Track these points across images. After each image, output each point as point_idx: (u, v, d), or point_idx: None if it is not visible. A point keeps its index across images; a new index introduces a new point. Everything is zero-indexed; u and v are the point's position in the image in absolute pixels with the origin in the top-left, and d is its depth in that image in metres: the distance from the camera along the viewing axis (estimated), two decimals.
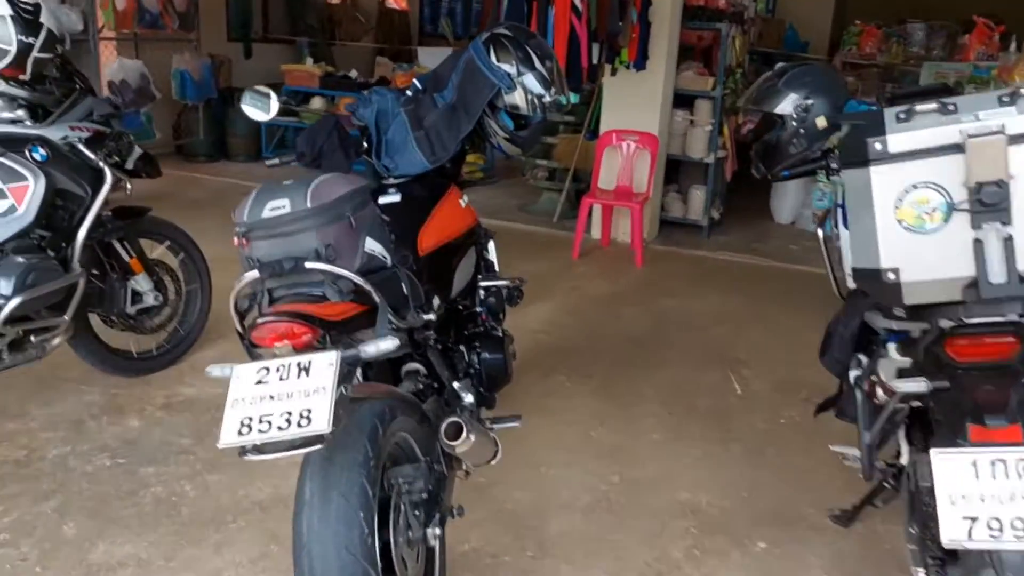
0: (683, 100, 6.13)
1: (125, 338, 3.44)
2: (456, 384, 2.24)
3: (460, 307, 2.56)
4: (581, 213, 5.54)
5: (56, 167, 2.86)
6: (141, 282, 3.37)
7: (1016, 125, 1.48)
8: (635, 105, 5.74)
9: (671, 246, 5.99)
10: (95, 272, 3.21)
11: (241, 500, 2.65)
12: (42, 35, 2.78)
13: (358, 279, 1.76)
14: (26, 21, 2.74)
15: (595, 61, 5.08)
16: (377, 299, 1.79)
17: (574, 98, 5.45)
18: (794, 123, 2.32)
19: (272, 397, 1.59)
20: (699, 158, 6.18)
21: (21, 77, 2.79)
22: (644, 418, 3.32)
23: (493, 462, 2.16)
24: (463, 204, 2.62)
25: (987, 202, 1.47)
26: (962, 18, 7.44)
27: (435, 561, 2.00)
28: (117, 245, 3.27)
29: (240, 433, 1.56)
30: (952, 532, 1.48)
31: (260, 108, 2.56)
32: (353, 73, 8.43)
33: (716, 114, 6.07)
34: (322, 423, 1.54)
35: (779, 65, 2.49)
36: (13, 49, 2.73)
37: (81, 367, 3.34)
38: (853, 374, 1.95)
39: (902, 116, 1.56)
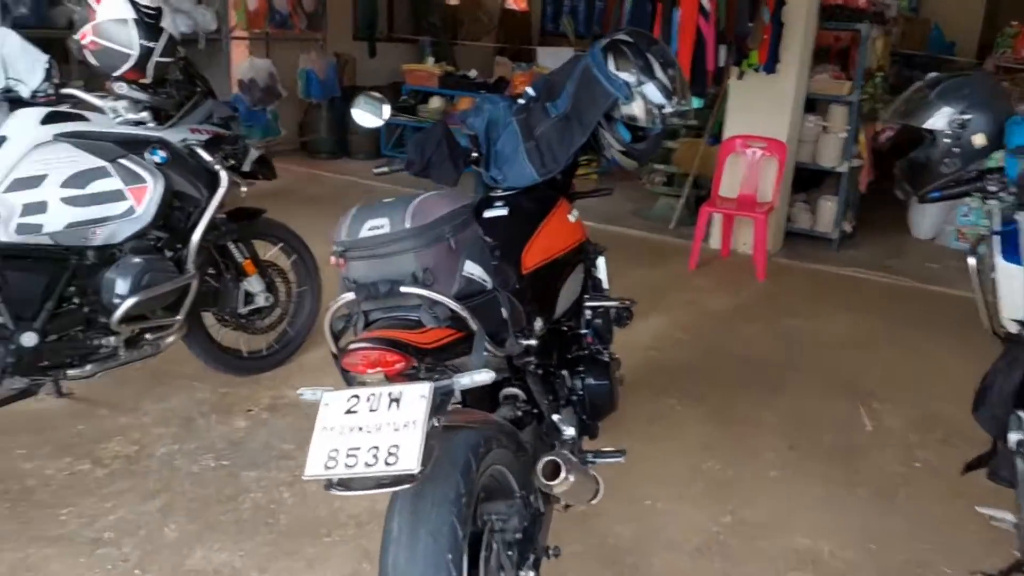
0: (815, 105, 5.77)
1: (236, 337, 3.49)
2: (556, 417, 2.11)
3: (564, 328, 2.42)
4: (700, 221, 5.29)
5: (174, 169, 2.91)
6: (254, 283, 3.40)
7: None
8: (763, 109, 5.44)
9: (796, 260, 5.65)
10: (210, 272, 3.26)
11: (338, 512, 2.61)
12: (163, 39, 2.82)
13: (455, 305, 1.65)
14: (148, 26, 2.78)
15: (721, 64, 4.83)
16: (474, 327, 1.68)
17: (697, 103, 5.21)
18: (947, 140, 2.07)
19: (361, 429, 1.51)
20: (831, 167, 5.81)
21: (142, 81, 2.84)
22: (761, 451, 3.09)
23: (594, 501, 2.02)
24: (572, 219, 2.48)
25: None
26: None
27: None
28: (231, 247, 3.32)
29: (326, 466, 1.48)
30: None
31: (372, 114, 2.51)
32: (472, 73, 8.43)
33: (852, 120, 5.68)
34: (411, 462, 1.44)
35: (932, 75, 2.23)
36: (135, 53, 2.78)
37: (194, 363, 3.41)
38: (1014, 437, 1.69)
39: None
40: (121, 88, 2.81)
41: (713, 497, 2.77)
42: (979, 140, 2.05)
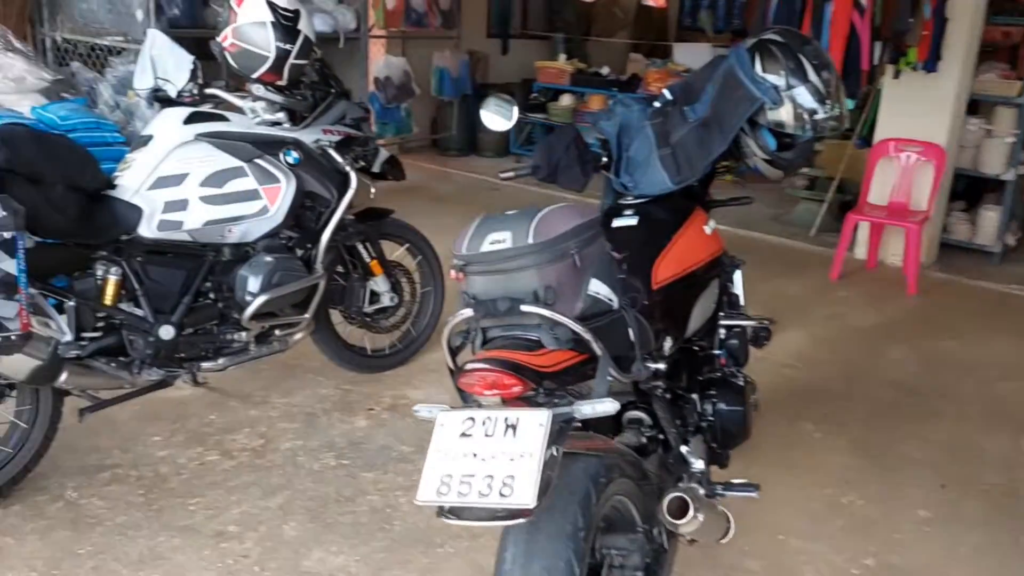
0: (978, 107, 5.30)
1: (361, 335, 3.52)
2: (685, 448, 1.96)
3: (695, 348, 2.27)
4: (845, 229, 4.95)
5: (307, 170, 2.94)
6: (379, 283, 3.42)
7: None
8: (919, 111, 5.03)
9: (952, 274, 5.20)
10: (338, 271, 3.30)
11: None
12: (299, 41, 2.85)
13: (577, 327, 1.55)
14: (285, 28, 2.82)
15: (875, 62, 4.49)
16: (598, 350, 1.57)
17: (849, 104, 4.87)
18: None
19: (475, 455, 1.43)
20: (995, 174, 5.32)
21: (278, 83, 2.89)
22: (909, 487, 2.82)
23: (723, 541, 1.87)
24: (709, 230, 2.32)
25: None
26: None
27: None
28: (359, 246, 3.34)
29: (439, 492, 1.42)
30: None
31: (501, 116, 2.46)
32: (604, 70, 8.27)
33: (1021, 124, 5.18)
34: (526, 496, 1.35)
35: None
36: (272, 55, 2.82)
37: (320, 358, 3.46)
38: None
39: None
40: (258, 90, 2.86)
41: (854, 536, 2.54)
42: None
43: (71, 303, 2.50)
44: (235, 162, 2.78)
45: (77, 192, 2.48)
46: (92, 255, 2.58)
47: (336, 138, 3.07)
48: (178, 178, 2.71)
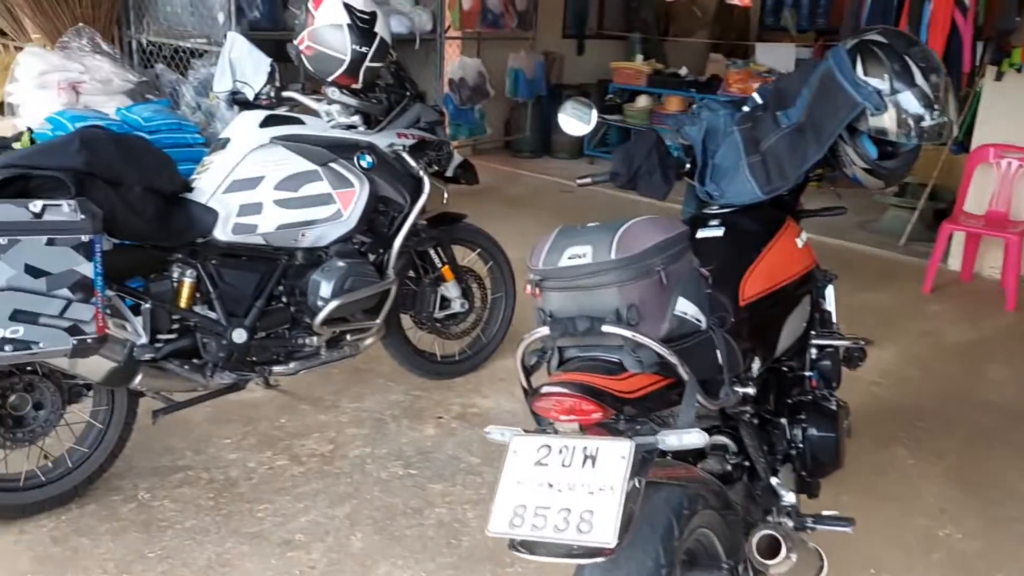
0: None
1: (431, 340, 3.47)
2: (775, 480, 1.83)
3: (784, 369, 2.13)
4: (940, 239, 4.69)
5: (380, 174, 2.90)
6: (451, 289, 3.36)
7: None
8: (1023, 115, 4.71)
9: None
10: (409, 275, 3.26)
11: None
12: (375, 44, 2.82)
13: (663, 350, 1.44)
14: (361, 30, 2.78)
15: (976, 63, 4.23)
16: (684, 376, 1.46)
17: None
18: None
19: (551, 485, 1.34)
20: None
21: (353, 86, 2.85)
22: (1014, 523, 2.62)
23: None
24: (800, 243, 2.18)
25: None
26: None
27: None
28: (431, 251, 3.29)
29: (512, 523, 1.33)
30: None
31: (579, 120, 2.38)
32: (683, 71, 8.08)
33: None
34: (606, 534, 1.25)
35: None
36: (347, 58, 2.79)
37: (390, 362, 3.42)
38: None
39: None
40: (333, 93, 2.83)
41: (952, 573, 2.37)
42: None
43: (147, 305, 2.51)
44: (310, 166, 2.75)
45: (155, 194, 2.48)
46: (168, 257, 2.59)
47: (410, 142, 3.03)
48: (253, 181, 2.69)
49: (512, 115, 8.21)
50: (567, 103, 2.40)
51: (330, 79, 2.84)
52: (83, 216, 2.13)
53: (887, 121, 1.96)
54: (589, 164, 7.91)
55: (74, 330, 2.12)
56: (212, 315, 2.66)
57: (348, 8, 2.78)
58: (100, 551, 2.38)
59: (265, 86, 2.93)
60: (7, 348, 2.03)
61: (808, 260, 2.19)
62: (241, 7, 4.85)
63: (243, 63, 3.19)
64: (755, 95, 2.26)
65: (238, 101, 2.98)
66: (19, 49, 4.84)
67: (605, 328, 1.44)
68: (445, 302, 3.38)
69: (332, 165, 2.80)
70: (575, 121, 2.38)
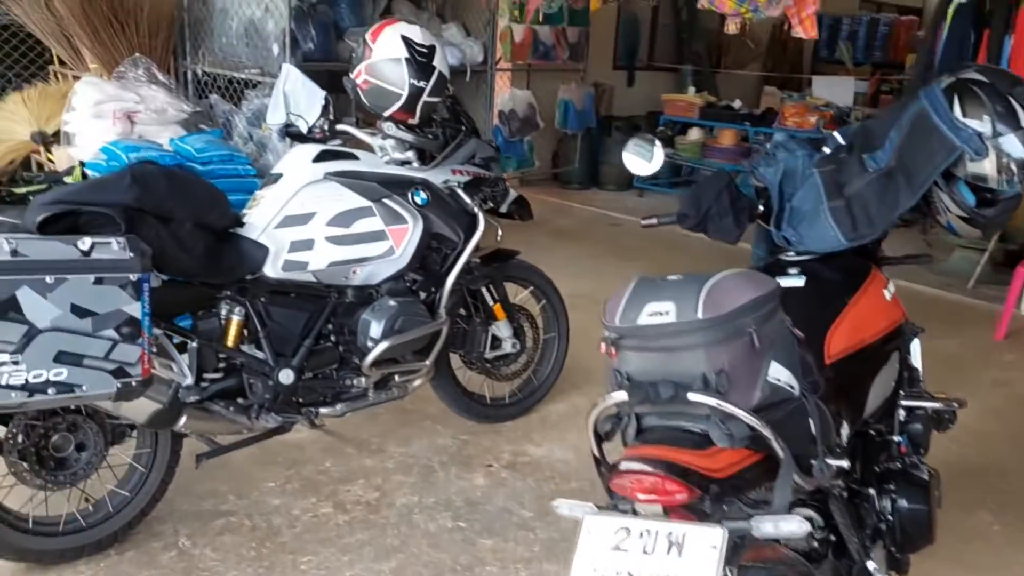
0: None
1: (481, 381, 3.35)
2: (872, 564, 1.67)
3: (871, 432, 1.97)
4: (1015, 282, 4.45)
5: (434, 211, 2.81)
6: (502, 328, 3.24)
7: None
8: None
9: None
10: (460, 313, 3.15)
11: None
12: (433, 78, 2.74)
13: (756, 423, 1.30)
14: (420, 64, 2.71)
15: None
16: (779, 452, 1.31)
17: None
18: None
19: (631, 575, 1.20)
20: None
21: (410, 121, 2.77)
22: None
23: None
24: (888, 295, 2.02)
25: None
26: None
27: None
28: (483, 289, 3.18)
29: None
30: None
31: (643, 158, 2.26)
32: (736, 103, 7.93)
33: None
34: None
35: None
36: (405, 93, 2.71)
37: (439, 404, 3.30)
38: None
39: None
40: (389, 128, 2.76)
41: None
42: None
43: (193, 344, 2.43)
44: (363, 202, 2.67)
45: (205, 230, 2.41)
46: (217, 294, 2.51)
47: (465, 178, 2.94)
48: (305, 217, 2.61)
49: (560, 147, 8.13)
50: (630, 142, 2.29)
51: (386, 114, 2.76)
52: (132, 254, 2.05)
53: (987, 167, 1.81)
54: (638, 196, 7.78)
55: (119, 372, 2.04)
56: (259, 355, 2.57)
57: (407, 41, 2.71)
58: None
59: (319, 119, 2.87)
60: (50, 391, 1.96)
61: (896, 313, 2.03)
62: (296, 38, 4.84)
63: (297, 95, 3.13)
64: (836, 135, 2.12)
65: (291, 134, 2.92)
66: (77, 78, 4.87)
67: (692, 396, 1.30)
68: (496, 342, 3.26)
69: (385, 201, 2.71)
70: (638, 159, 2.27)
